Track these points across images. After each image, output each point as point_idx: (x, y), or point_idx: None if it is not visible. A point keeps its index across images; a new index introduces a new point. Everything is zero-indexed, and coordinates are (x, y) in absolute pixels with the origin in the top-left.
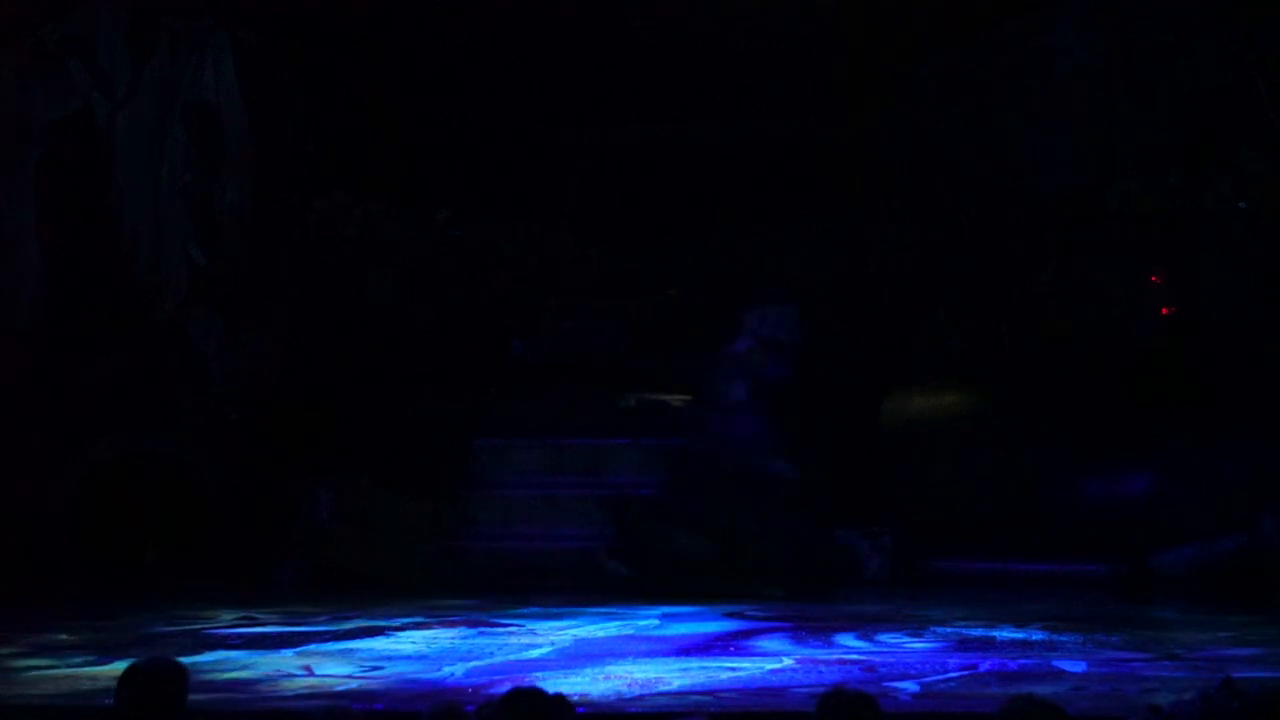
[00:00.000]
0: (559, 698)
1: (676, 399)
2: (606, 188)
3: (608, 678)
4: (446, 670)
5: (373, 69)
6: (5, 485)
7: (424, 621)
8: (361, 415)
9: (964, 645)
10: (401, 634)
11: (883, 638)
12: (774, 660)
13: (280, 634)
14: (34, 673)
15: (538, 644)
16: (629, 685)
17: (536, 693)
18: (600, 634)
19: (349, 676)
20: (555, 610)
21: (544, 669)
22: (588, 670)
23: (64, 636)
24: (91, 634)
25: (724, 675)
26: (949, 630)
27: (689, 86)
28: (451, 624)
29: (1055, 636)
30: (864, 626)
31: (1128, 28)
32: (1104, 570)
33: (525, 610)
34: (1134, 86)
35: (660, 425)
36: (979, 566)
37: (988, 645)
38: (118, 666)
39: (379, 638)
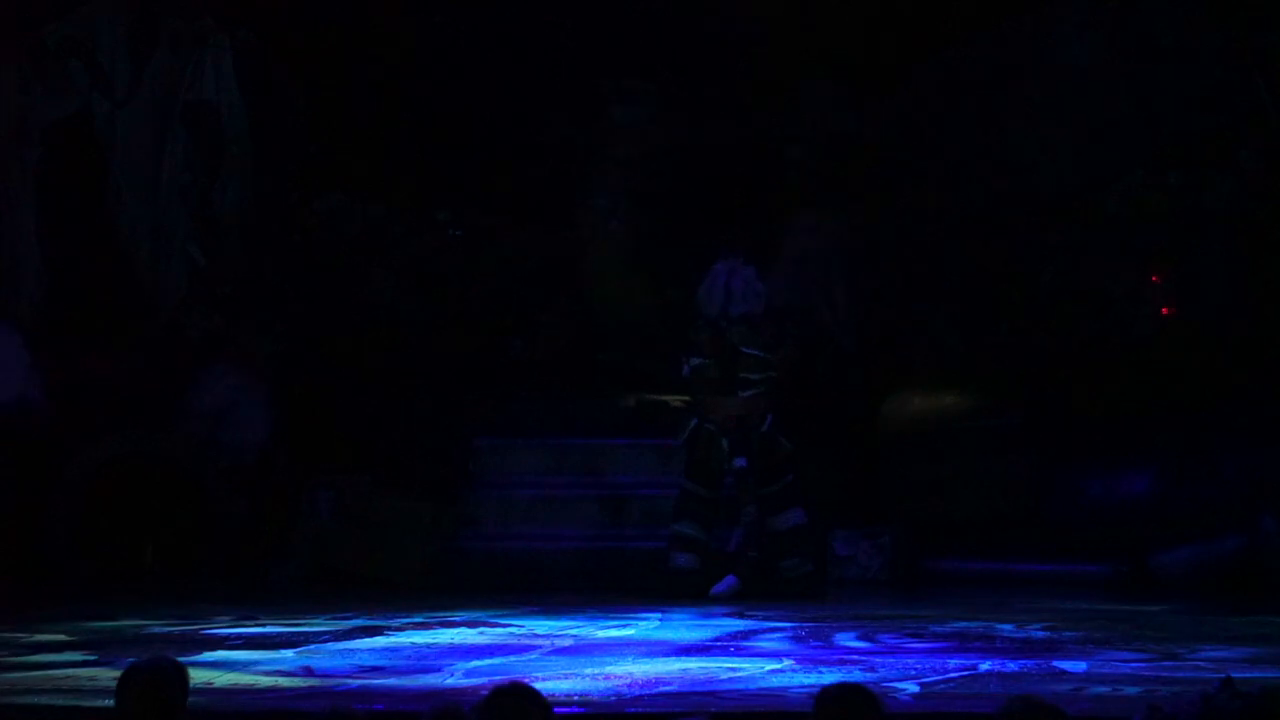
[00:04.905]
0: (539, 695)
1: (676, 399)
2: (607, 187)
3: (608, 678)
4: (446, 670)
5: (373, 69)
6: (5, 485)
7: (424, 621)
8: (361, 415)
9: (964, 645)
10: (401, 634)
11: (883, 638)
12: (774, 660)
13: (280, 634)
14: (34, 673)
15: (538, 644)
16: (629, 685)
17: (519, 688)
18: (600, 634)
19: (349, 676)
20: (555, 610)
21: (544, 669)
22: (588, 670)
23: (64, 636)
24: (91, 634)
25: (724, 675)
26: (949, 630)
27: (688, 86)
28: (451, 624)
29: (1055, 636)
30: (864, 626)
31: (1128, 28)
32: (1104, 570)
33: (525, 610)
34: (1134, 86)
35: (660, 425)
36: (979, 566)
37: (988, 645)
38: (118, 666)
39: (379, 638)
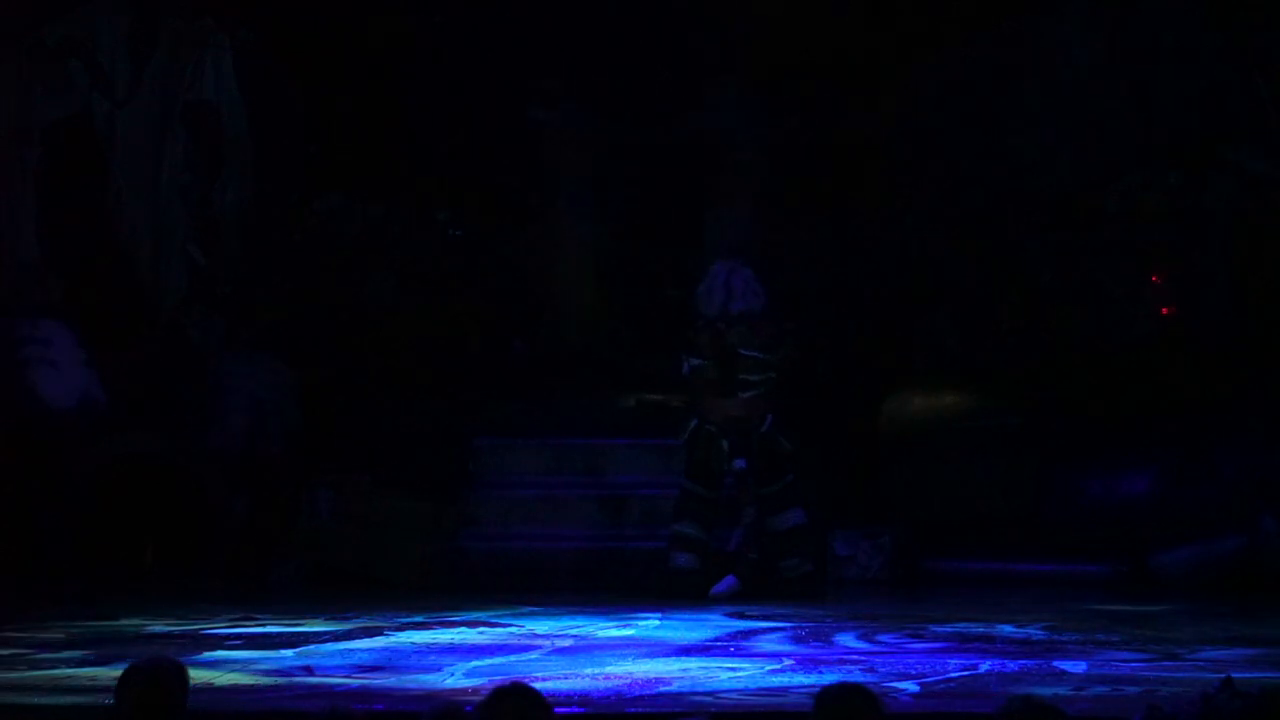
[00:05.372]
0: (540, 696)
1: (676, 399)
2: (607, 187)
3: (608, 678)
4: (446, 670)
5: (374, 69)
6: (5, 485)
7: (424, 621)
8: (361, 415)
9: (964, 645)
10: (401, 634)
11: (883, 638)
12: (774, 660)
13: (280, 634)
14: (34, 673)
15: (538, 644)
16: (629, 685)
17: (520, 688)
18: (600, 634)
19: (349, 676)
20: (555, 610)
21: (544, 669)
22: (588, 670)
23: (64, 636)
24: (91, 634)
25: (724, 675)
26: (949, 630)
27: (689, 84)
28: (451, 624)
29: (1055, 636)
30: (864, 626)
31: (1128, 27)
32: (1104, 570)
33: (525, 610)
34: (1134, 86)
35: (660, 425)
36: (979, 566)
37: (988, 645)
38: (118, 666)
39: (379, 637)
